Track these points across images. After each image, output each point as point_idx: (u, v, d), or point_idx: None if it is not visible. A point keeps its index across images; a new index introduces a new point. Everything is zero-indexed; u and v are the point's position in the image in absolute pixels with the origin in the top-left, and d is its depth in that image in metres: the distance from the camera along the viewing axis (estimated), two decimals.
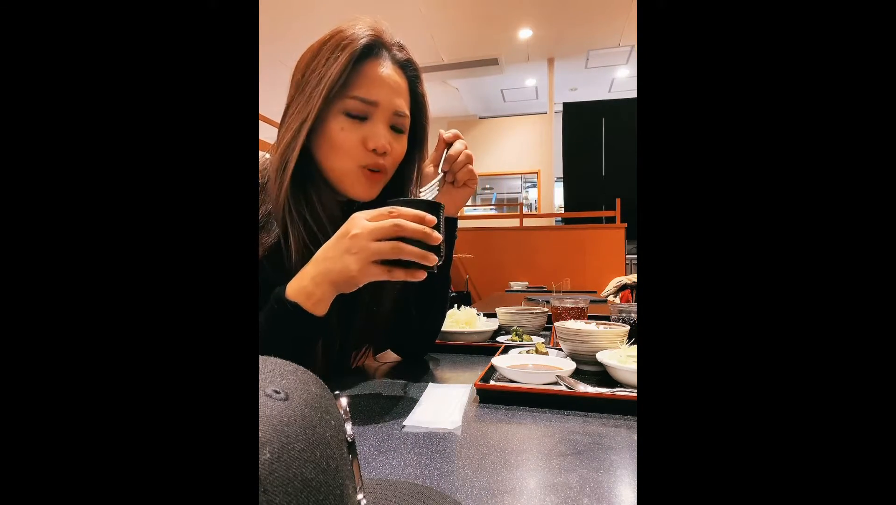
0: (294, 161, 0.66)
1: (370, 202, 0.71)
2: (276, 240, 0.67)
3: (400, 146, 0.72)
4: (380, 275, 0.57)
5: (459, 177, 0.76)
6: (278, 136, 0.69)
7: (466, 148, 0.77)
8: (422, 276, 0.58)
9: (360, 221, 0.57)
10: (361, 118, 0.67)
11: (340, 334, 0.74)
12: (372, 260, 0.56)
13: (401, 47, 0.72)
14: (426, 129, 0.77)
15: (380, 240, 0.56)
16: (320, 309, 0.60)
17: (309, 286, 0.59)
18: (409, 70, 0.72)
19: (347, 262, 0.57)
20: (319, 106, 0.65)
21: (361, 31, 0.67)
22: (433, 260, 0.57)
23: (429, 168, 0.78)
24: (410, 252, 0.56)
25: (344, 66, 0.64)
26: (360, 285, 0.59)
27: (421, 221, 0.57)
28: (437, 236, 0.57)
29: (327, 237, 0.64)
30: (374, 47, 0.68)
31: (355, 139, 0.67)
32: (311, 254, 0.63)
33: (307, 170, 0.69)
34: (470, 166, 0.76)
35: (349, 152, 0.67)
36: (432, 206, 0.59)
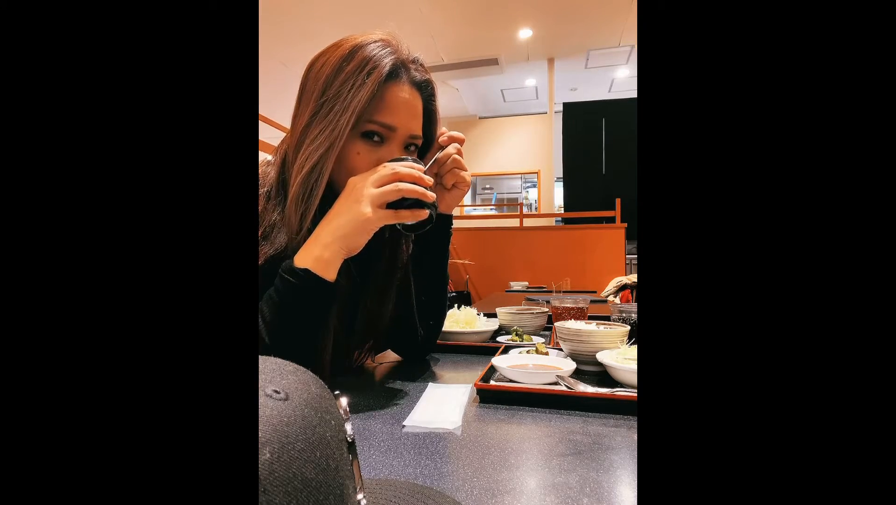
0: (322, 191, 0.65)
1: None
2: (278, 251, 0.66)
3: None
4: (389, 218, 0.62)
5: (447, 180, 0.76)
6: (297, 153, 0.67)
7: (459, 152, 0.76)
8: (424, 214, 0.63)
9: (359, 177, 0.62)
10: (378, 142, 0.68)
11: (342, 335, 0.75)
12: (379, 203, 0.60)
13: (416, 65, 0.71)
14: (435, 143, 0.77)
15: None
16: (330, 272, 0.62)
17: (317, 249, 0.61)
18: (426, 90, 0.72)
19: (359, 208, 0.60)
20: (347, 134, 0.64)
21: (382, 53, 0.66)
22: (431, 197, 0.63)
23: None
24: (411, 190, 0.61)
25: (372, 93, 0.64)
26: (370, 234, 0.62)
27: (412, 167, 0.62)
28: (429, 179, 0.63)
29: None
30: (396, 70, 0.68)
31: (370, 163, 0.67)
32: None
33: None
34: (458, 170, 0.76)
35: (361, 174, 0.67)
36: (414, 159, 0.66)
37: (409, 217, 0.62)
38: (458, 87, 6.34)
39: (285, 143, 0.73)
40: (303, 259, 0.61)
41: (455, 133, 0.76)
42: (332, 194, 0.67)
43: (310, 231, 0.65)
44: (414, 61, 0.71)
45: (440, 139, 0.75)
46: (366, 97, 0.64)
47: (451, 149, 0.75)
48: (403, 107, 0.68)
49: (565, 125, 5.58)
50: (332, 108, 0.65)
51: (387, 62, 0.66)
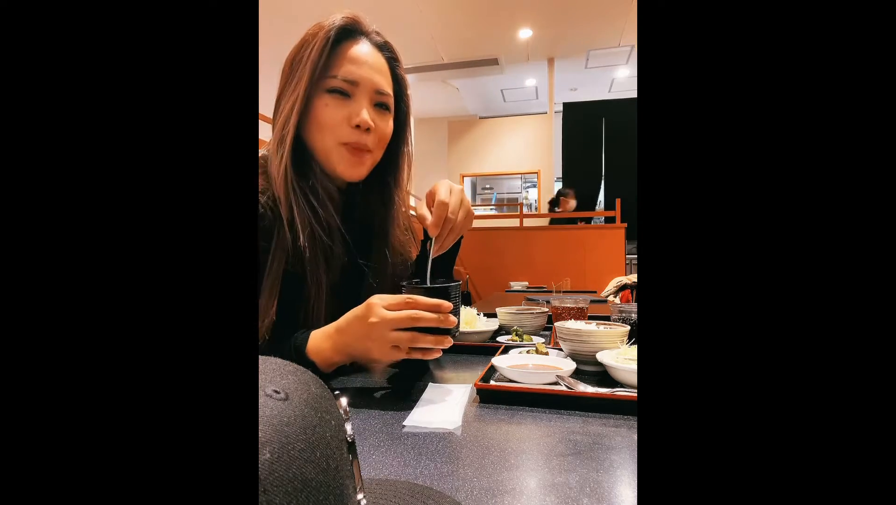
0: (291, 135, 0.69)
1: (360, 183, 0.77)
2: (284, 259, 0.69)
3: (385, 124, 0.75)
4: (398, 356, 0.61)
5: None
6: (273, 127, 0.72)
7: (452, 230, 0.70)
8: (437, 354, 0.62)
9: (379, 310, 0.60)
10: (345, 96, 0.71)
11: None
12: (391, 345, 0.60)
13: (378, 33, 0.75)
14: (409, 110, 0.81)
15: (398, 329, 0.59)
16: (332, 369, 0.65)
17: (328, 352, 0.64)
18: (387, 52, 0.76)
19: (367, 346, 0.61)
20: (306, 85, 0.68)
21: (337, 17, 0.71)
22: (448, 343, 0.61)
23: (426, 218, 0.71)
24: (426, 340, 0.60)
25: (322, 45, 0.68)
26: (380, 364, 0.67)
27: (437, 309, 0.59)
28: (453, 320, 0.61)
29: (330, 217, 0.70)
30: (352, 30, 0.72)
31: (339, 116, 0.70)
32: (317, 236, 0.68)
33: (303, 156, 0.73)
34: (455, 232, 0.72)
35: (333, 129, 0.70)
36: (449, 290, 0.62)
37: (420, 356, 0.62)
38: (458, 87, 6.34)
39: None
40: (315, 350, 0.64)
41: (435, 213, 0.67)
42: (312, 159, 0.73)
43: (294, 182, 0.69)
44: (374, 31, 0.75)
45: (431, 237, 0.68)
46: (318, 50, 0.68)
47: (447, 242, 0.71)
48: (363, 61, 0.71)
49: (565, 125, 5.58)
50: (294, 73, 0.70)
51: (338, 21, 0.71)
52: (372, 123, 0.71)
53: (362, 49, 0.72)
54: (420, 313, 0.59)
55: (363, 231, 0.80)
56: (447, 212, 0.69)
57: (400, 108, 0.79)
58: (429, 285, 0.64)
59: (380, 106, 0.73)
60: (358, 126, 0.70)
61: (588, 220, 4.20)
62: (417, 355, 0.61)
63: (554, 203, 4.95)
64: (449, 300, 0.61)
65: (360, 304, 0.77)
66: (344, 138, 0.70)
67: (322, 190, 0.72)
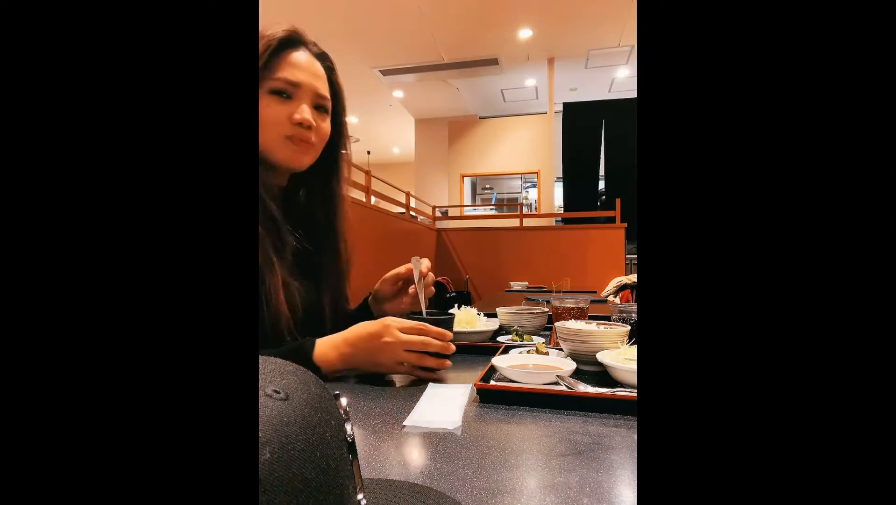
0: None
1: (302, 183, 0.87)
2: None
3: (325, 123, 0.82)
4: (401, 371, 0.73)
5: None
6: None
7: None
8: (435, 375, 0.73)
9: (395, 332, 0.70)
10: (286, 97, 0.77)
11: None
12: (398, 363, 0.71)
13: (315, 44, 0.83)
14: (345, 115, 0.88)
15: (408, 350, 0.70)
16: (334, 377, 0.73)
17: (336, 362, 0.71)
18: (326, 61, 0.83)
19: (377, 360, 0.71)
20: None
21: (279, 28, 0.79)
22: (447, 365, 0.73)
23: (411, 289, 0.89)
24: (430, 362, 0.72)
25: (264, 52, 0.75)
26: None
27: (442, 337, 0.72)
28: (452, 348, 0.73)
29: (272, 211, 0.77)
30: (293, 40, 0.79)
31: (282, 114, 0.77)
32: (266, 228, 0.76)
33: None
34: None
35: (276, 126, 0.77)
36: (450, 322, 0.77)
37: (420, 374, 0.73)
38: (458, 87, 6.34)
39: None
40: (322, 357, 0.71)
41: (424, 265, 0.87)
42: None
43: None
44: (313, 42, 0.84)
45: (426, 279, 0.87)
46: (263, 55, 0.74)
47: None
48: (303, 67, 0.78)
49: (565, 125, 5.58)
50: None
51: (279, 31, 0.77)
52: (313, 122, 0.79)
53: (302, 56, 0.79)
54: (430, 340, 0.71)
55: (315, 226, 0.88)
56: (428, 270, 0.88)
57: (337, 112, 0.87)
58: (436, 317, 0.77)
59: (319, 108, 0.81)
60: (300, 123, 0.77)
61: (612, 220, 4.23)
62: (420, 374, 0.72)
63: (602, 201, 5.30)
64: (448, 330, 0.74)
65: (317, 290, 0.87)
66: (287, 133, 0.77)
67: (265, 193, 0.79)
